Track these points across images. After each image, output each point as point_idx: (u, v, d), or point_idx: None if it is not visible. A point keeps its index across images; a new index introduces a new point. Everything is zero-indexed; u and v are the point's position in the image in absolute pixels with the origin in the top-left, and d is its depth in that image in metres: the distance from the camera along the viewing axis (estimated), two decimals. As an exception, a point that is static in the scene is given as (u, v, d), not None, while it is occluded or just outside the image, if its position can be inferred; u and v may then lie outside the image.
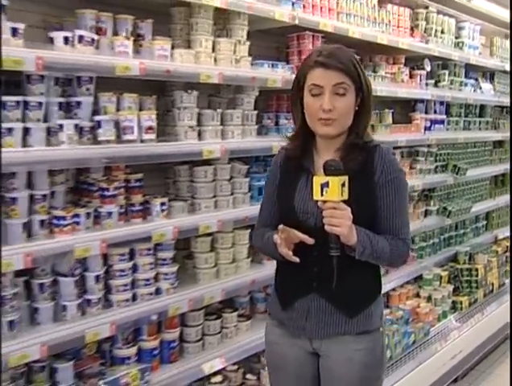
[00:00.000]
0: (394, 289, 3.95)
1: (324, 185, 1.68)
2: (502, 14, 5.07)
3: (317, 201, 1.73)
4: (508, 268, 5.02)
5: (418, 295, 4.14)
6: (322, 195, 1.69)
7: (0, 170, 1.80)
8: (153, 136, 2.32)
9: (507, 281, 4.96)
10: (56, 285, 2.17)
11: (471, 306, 4.39)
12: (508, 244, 5.31)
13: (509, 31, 5.34)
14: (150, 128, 2.30)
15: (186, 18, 2.64)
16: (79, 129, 2.08)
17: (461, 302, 4.29)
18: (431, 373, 3.64)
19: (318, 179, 1.70)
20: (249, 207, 2.80)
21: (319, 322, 1.88)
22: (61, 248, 2.06)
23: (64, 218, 2.09)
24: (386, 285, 3.76)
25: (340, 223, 1.70)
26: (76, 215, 2.14)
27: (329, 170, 1.70)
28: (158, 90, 2.63)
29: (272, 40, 3.37)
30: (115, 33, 2.35)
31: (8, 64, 1.84)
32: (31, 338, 2.02)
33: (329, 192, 1.68)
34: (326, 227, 1.71)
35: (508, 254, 5.14)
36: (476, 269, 4.46)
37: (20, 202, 2.01)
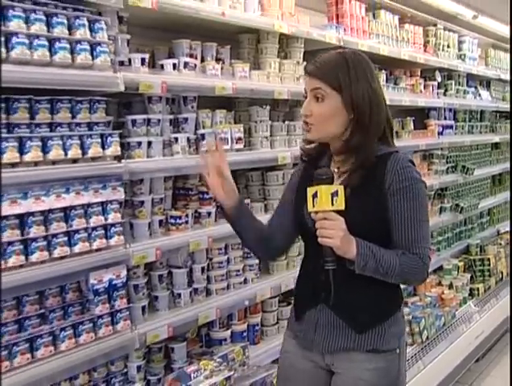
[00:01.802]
0: (419, 279, 4.37)
1: (315, 195, 1.63)
2: (496, 27, 5.61)
3: (310, 213, 1.68)
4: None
5: (440, 283, 4.57)
6: (313, 205, 1.64)
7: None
8: (241, 145, 2.69)
9: (513, 269, 5.46)
10: (171, 276, 2.52)
11: (486, 293, 4.85)
12: (509, 237, 5.80)
13: (502, 44, 5.90)
14: (239, 138, 2.67)
15: (252, 43, 3.04)
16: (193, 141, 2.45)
17: (478, 289, 4.74)
18: (461, 351, 4.07)
19: (310, 190, 1.64)
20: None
21: (327, 335, 1.82)
22: (179, 244, 2.41)
23: (179, 217, 2.45)
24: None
25: (331, 235, 1.62)
26: (186, 216, 2.49)
27: (318, 179, 1.65)
28: (226, 106, 3.00)
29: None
30: (202, 58, 2.73)
31: (142, 88, 2.21)
32: (159, 321, 2.36)
33: (318, 202, 1.62)
34: (319, 239, 1.65)
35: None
36: (488, 259, 4.92)
37: (146, 204, 2.36)
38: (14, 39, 1.82)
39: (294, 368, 1.94)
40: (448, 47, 4.89)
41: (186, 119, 2.49)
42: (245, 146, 2.74)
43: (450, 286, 4.53)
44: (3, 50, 1.80)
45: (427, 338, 3.80)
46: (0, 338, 1.85)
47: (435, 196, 4.77)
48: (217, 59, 2.82)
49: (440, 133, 4.73)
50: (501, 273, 5.18)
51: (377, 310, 1.82)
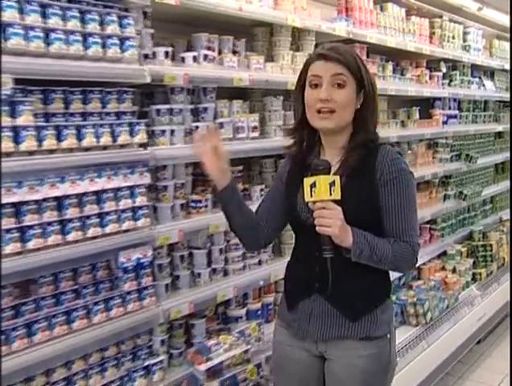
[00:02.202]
0: (424, 264, 4.54)
1: (313, 185, 1.66)
2: (500, 18, 5.72)
3: (308, 203, 1.72)
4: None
5: (443, 268, 4.73)
6: (311, 195, 1.67)
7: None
8: (257, 134, 2.84)
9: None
10: (191, 256, 2.68)
11: (488, 277, 5.01)
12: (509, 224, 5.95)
13: (506, 34, 6.00)
14: (255, 127, 2.82)
15: (266, 36, 3.17)
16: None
17: (480, 274, 4.90)
18: (463, 332, 4.24)
19: (307, 181, 1.68)
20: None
21: (321, 325, 1.88)
22: (199, 226, 2.56)
23: (200, 201, 2.60)
24: (420, 259, 4.35)
25: (330, 223, 1.67)
26: (206, 200, 2.65)
27: (316, 169, 1.68)
28: (241, 96, 3.14)
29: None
30: (219, 50, 2.86)
31: (167, 80, 2.36)
32: (181, 298, 2.52)
33: (317, 192, 1.66)
34: (317, 228, 1.69)
35: (513, 233, 5.78)
36: (491, 245, 5.07)
37: (169, 189, 2.51)
38: (53, 35, 1.97)
39: (288, 358, 1.99)
40: (453, 38, 5.00)
41: (206, 109, 2.64)
42: (259, 135, 2.89)
43: (453, 271, 4.69)
44: (43, 44, 1.94)
45: (431, 319, 3.96)
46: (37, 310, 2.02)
47: (439, 184, 4.92)
48: (233, 52, 2.96)
49: (445, 123, 4.86)
50: (503, 258, 5.33)
51: (370, 298, 1.88)
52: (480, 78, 5.67)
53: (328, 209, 1.67)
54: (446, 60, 4.91)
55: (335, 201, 1.68)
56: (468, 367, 4.34)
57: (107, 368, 2.27)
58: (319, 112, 1.80)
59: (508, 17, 5.75)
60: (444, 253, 4.85)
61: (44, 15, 1.96)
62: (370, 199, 1.82)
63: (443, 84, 4.82)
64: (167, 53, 2.43)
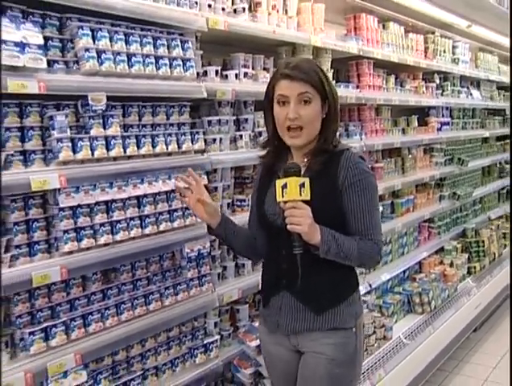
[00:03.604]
0: (424, 259, 4.95)
1: (284, 186, 1.77)
2: (485, 33, 6.22)
3: (279, 203, 1.82)
4: (504, 241, 6.12)
5: (442, 262, 5.14)
6: (283, 196, 1.79)
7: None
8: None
9: (504, 251, 6.06)
10: (236, 249, 3.02)
11: (481, 271, 5.45)
12: (499, 222, 6.41)
13: (489, 47, 6.50)
14: (286, 135, 3.19)
15: (289, 54, 3.55)
16: (252, 137, 2.97)
17: (474, 267, 5.34)
18: (463, 319, 4.66)
19: (279, 182, 1.80)
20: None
21: (290, 318, 2.00)
22: (244, 222, 2.90)
23: (243, 200, 2.96)
24: (420, 255, 4.79)
25: (300, 222, 1.77)
26: (249, 199, 3.00)
27: (287, 172, 1.80)
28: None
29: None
30: (253, 67, 3.23)
31: (219, 95, 2.72)
32: (230, 285, 2.87)
33: (288, 192, 1.77)
34: (288, 226, 1.79)
35: (502, 231, 6.24)
36: (483, 241, 5.52)
37: (219, 190, 2.86)
38: (134, 59, 2.32)
39: (270, 355, 2.16)
40: (444, 52, 5.46)
41: (246, 119, 3.00)
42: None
43: (451, 265, 5.11)
44: (126, 66, 2.30)
45: (435, 307, 4.37)
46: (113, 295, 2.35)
47: (435, 185, 5.35)
48: (263, 68, 3.34)
49: (439, 129, 5.30)
50: (494, 253, 5.78)
51: (335, 293, 1.99)
52: (467, 88, 6.15)
53: (298, 208, 1.78)
54: (439, 72, 5.36)
55: (304, 201, 1.79)
56: (467, 352, 4.77)
57: (172, 346, 2.61)
58: (288, 129, 1.93)
59: (490, 32, 6.26)
60: (442, 249, 5.27)
61: (127, 42, 2.32)
62: (334, 201, 1.93)
63: (436, 94, 5.26)
64: (216, 71, 2.80)
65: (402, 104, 4.49)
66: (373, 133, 4.20)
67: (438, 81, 5.31)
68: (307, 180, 1.79)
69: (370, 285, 3.91)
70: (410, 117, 4.89)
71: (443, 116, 5.47)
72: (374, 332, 3.65)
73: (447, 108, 5.54)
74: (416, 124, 4.93)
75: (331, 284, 1.98)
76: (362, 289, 3.79)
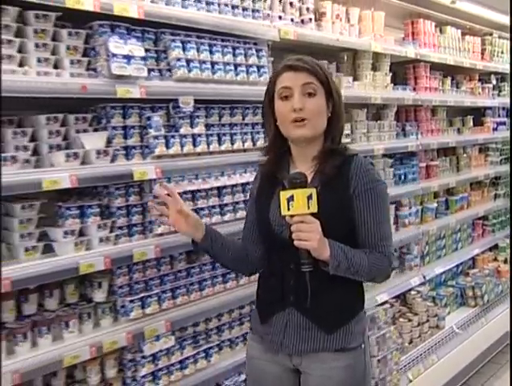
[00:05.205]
0: (478, 255, 5.10)
1: (290, 199, 1.62)
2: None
3: (285, 216, 1.66)
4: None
5: (496, 259, 5.28)
6: (289, 209, 1.63)
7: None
8: (349, 140, 3.48)
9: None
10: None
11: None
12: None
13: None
14: (347, 135, 3.46)
15: (350, 59, 3.82)
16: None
17: (527, 264, 5.43)
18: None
19: (284, 194, 1.64)
20: (395, 188, 3.94)
21: (296, 338, 1.84)
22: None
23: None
24: (473, 251, 4.95)
25: (309, 237, 1.62)
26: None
27: (293, 183, 1.65)
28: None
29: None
30: (317, 72, 3.52)
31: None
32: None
33: (295, 206, 1.62)
34: (295, 242, 1.64)
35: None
36: (535, 238, 5.59)
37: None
38: (216, 66, 2.65)
39: (263, 373, 1.97)
40: (502, 53, 5.57)
41: (310, 120, 3.29)
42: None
43: (505, 261, 5.23)
44: (210, 73, 2.63)
45: (488, 301, 4.53)
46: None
47: (490, 184, 5.48)
48: (326, 73, 3.61)
49: (495, 129, 5.43)
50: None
51: (346, 310, 1.86)
52: (524, 88, 6.21)
53: (307, 223, 1.63)
54: (496, 73, 5.48)
55: (312, 214, 1.64)
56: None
57: (244, 322, 2.92)
58: (293, 122, 1.79)
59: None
60: (496, 246, 5.40)
61: (211, 52, 2.65)
62: (345, 211, 1.80)
63: (493, 94, 5.39)
64: (286, 77, 3.10)
65: (458, 104, 4.67)
66: (428, 132, 4.41)
67: (495, 82, 5.43)
68: (314, 191, 1.64)
69: (424, 277, 4.13)
70: (466, 117, 5.05)
71: (499, 116, 5.58)
72: (428, 320, 3.88)
73: (503, 109, 5.65)
74: (471, 124, 5.09)
75: (341, 300, 1.85)
76: (416, 280, 4.03)
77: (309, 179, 1.75)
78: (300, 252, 1.67)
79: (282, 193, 1.66)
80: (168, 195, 1.98)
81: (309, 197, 1.62)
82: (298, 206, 1.62)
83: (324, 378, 1.84)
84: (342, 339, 1.84)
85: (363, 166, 1.82)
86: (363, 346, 1.90)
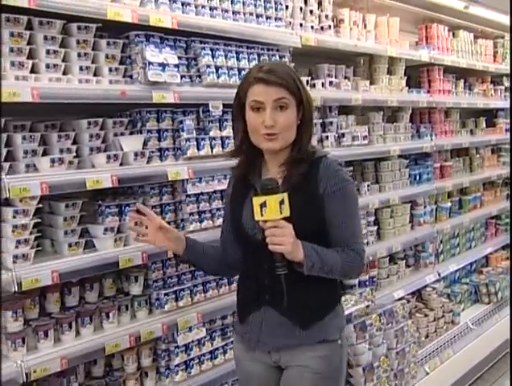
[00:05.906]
0: (491, 253, 5.21)
1: (263, 205, 1.66)
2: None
3: (258, 221, 1.71)
4: None
5: (508, 258, 5.37)
6: (262, 215, 1.67)
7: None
8: (367, 141, 3.62)
9: None
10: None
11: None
12: None
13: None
14: (365, 137, 3.60)
15: (366, 63, 3.96)
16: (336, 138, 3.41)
17: (540, 264, 5.53)
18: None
19: (257, 200, 1.68)
20: (410, 188, 4.07)
21: (273, 335, 1.90)
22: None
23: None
24: (486, 249, 5.06)
25: (282, 242, 1.67)
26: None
27: (266, 189, 1.69)
28: (348, 112, 3.92)
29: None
30: (335, 76, 3.66)
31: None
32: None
33: (268, 211, 1.65)
34: (269, 246, 1.68)
35: None
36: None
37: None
38: (243, 72, 2.79)
39: (247, 374, 2.05)
40: (514, 55, 5.68)
41: (331, 122, 3.44)
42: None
43: (518, 259, 5.34)
44: (237, 79, 2.78)
45: (502, 298, 4.64)
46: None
47: (502, 184, 5.59)
48: (344, 77, 3.75)
49: (507, 130, 5.54)
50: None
51: (320, 307, 1.92)
52: (536, 90, 6.30)
53: (280, 228, 1.68)
54: (507, 75, 5.59)
55: (285, 218, 1.69)
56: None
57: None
58: (264, 135, 1.82)
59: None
60: (508, 245, 5.49)
61: (238, 59, 2.80)
62: (316, 211, 1.84)
63: (505, 96, 5.50)
64: (307, 81, 3.25)
65: (471, 106, 4.79)
66: (442, 134, 4.53)
67: (507, 84, 5.54)
68: (285, 196, 1.69)
69: (439, 274, 4.25)
70: (479, 118, 5.17)
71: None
72: (443, 316, 4.00)
73: (515, 110, 5.75)
74: (484, 125, 5.21)
75: (316, 297, 1.90)
76: (432, 277, 4.15)
77: (280, 182, 1.80)
78: (275, 255, 1.72)
79: (254, 199, 1.70)
80: (143, 214, 2.04)
81: (281, 202, 1.67)
82: (271, 212, 1.67)
83: (300, 367, 1.91)
84: (318, 333, 1.90)
85: (331, 167, 1.87)
86: (340, 342, 1.96)
